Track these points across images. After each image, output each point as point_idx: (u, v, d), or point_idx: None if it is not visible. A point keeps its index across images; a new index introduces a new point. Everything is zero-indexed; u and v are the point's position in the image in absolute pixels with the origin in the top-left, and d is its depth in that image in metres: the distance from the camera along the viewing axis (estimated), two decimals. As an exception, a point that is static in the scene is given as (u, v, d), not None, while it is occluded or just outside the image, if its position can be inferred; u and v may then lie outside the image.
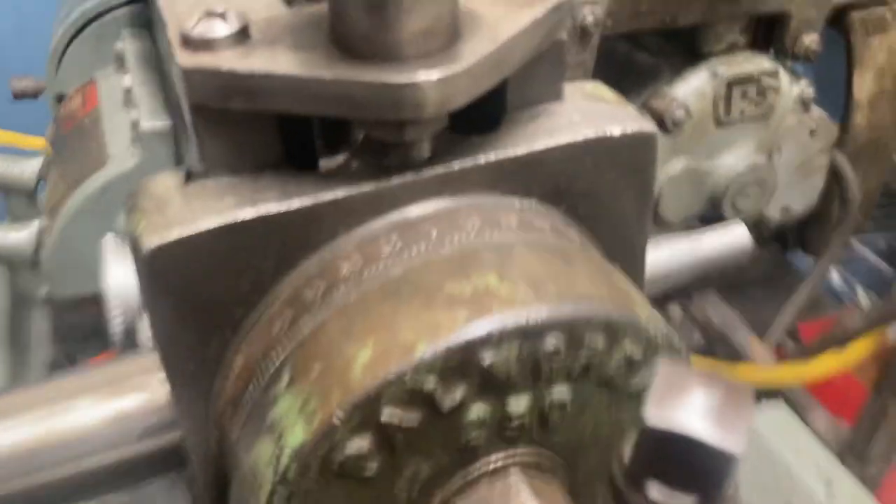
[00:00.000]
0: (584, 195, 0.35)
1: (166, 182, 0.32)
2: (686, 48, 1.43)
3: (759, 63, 1.43)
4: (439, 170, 0.33)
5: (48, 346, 1.47)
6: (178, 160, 1.23)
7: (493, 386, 0.29)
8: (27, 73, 1.53)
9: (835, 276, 2.29)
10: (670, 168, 1.42)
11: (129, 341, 0.98)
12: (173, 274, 0.30)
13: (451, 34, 0.30)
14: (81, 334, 1.48)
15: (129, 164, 1.21)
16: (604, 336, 0.30)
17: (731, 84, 1.41)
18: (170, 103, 1.25)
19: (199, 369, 0.33)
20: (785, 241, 1.70)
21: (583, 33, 1.22)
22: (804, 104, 1.46)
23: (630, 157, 0.35)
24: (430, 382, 0.27)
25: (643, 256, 0.38)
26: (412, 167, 0.33)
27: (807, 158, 1.51)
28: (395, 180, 0.32)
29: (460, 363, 0.28)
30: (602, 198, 0.36)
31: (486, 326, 0.28)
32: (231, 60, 0.29)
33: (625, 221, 0.37)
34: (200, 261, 0.31)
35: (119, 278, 0.96)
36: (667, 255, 0.58)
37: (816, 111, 1.46)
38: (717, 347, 1.40)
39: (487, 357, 0.28)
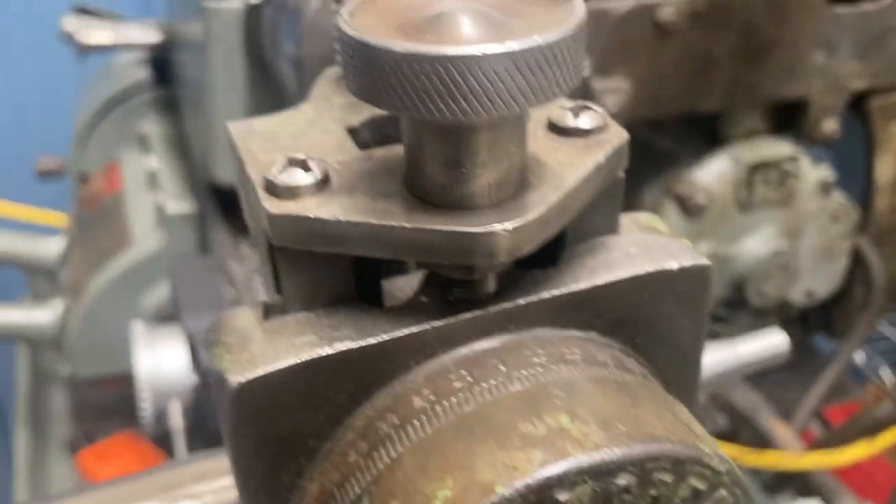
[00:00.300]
0: (642, 326, 0.37)
1: (246, 317, 0.34)
2: (706, 133, 1.46)
3: (779, 148, 1.46)
4: (504, 305, 0.34)
5: (68, 424, 1.48)
6: (202, 244, 1.26)
7: (567, 526, 0.30)
8: (46, 149, 1.58)
9: (858, 355, 2.28)
10: (694, 252, 1.44)
11: (160, 425, 0.99)
12: (256, 408, 0.32)
13: (519, 184, 0.32)
14: (100, 413, 1.49)
15: (153, 246, 1.24)
16: (671, 472, 0.31)
17: (752, 169, 1.44)
18: (195, 187, 1.29)
19: (274, 496, 0.34)
20: (809, 324, 1.70)
21: (606, 121, 1.25)
22: (825, 189, 1.48)
23: (686, 288, 0.37)
24: (508, 522, 0.29)
25: (697, 380, 0.39)
26: (478, 303, 0.34)
27: (829, 242, 1.52)
28: (463, 316, 0.34)
29: (536, 503, 0.29)
30: (659, 328, 0.37)
31: (562, 467, 0.29)
32: (314, 208, 0.31)
33: (680, 348, 0.38)
34: (281, 395, 0.32)
35: (149, 364, 0.98)
36: (710, 362, 0.60)
37: (838, 195, 1.48)
38: (742, 431, 1.39)
39: (562, 497, 0.29)
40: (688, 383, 0.39)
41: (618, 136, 0.35)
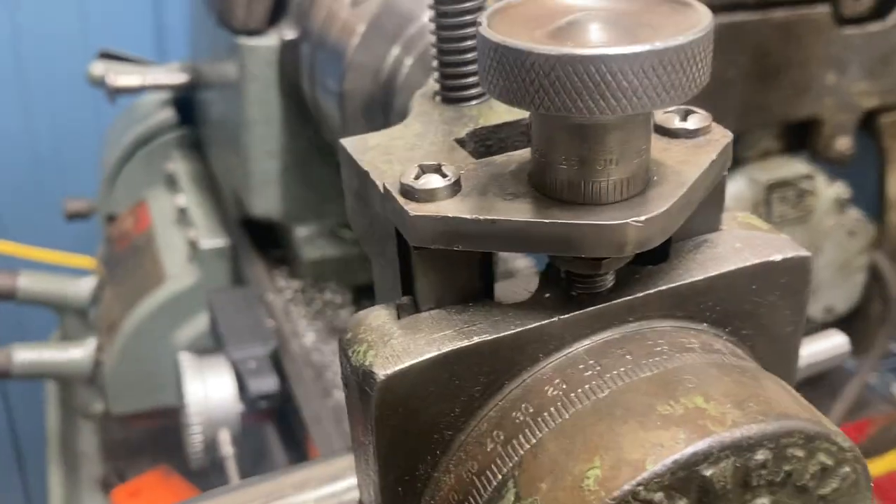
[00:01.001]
0: (748, 316, 0.39)
1: (382, 316, 0.35)
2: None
3: (794, 167, 1.48)
4: (624, 298, 0.36)
5: (98, 461, 1.48)
6: (235, 277, 1.27)
7: (709, 498, 0.31)
8: (67, 192, 1.60)
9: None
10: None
11: (209, 454, 1.00)
12: (399, 400, 0.33)
13: (644, 181, 0.34)
14: (131, 450, 1.49)
15: (187, 281, 1.25)
16: (803, 448, 0.32)
17: (769, 188, 1.46)
18: (225, 222, 1.31)
19: (410, 487, 0.35)
20: (828, 339, 1.70)
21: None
22: (841, 205, 1.50)
23: (788, 279, 0.38)
24: (658, 496, 0.30)
25: (795, 367, 0.41)
26: (599, 297, 0.36)
27: (847, 258, 1.55)
28: (586, 309, 0.35)
29: (684, 478, 0.30)
30: (762, 318, 0.39)
31: (706, 444, 0.30)
32: (453, 209, 0.33)
33: (781, 337, 0.40)
34: (422, 387, 0.34)
35: (199, 394, 0.98)
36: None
37: (853, 212, 1.51)
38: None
39: (707, 472, 0.31)
40: (787, 370, 0.40)
41: (724, 135, 0.37)
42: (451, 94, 0.43)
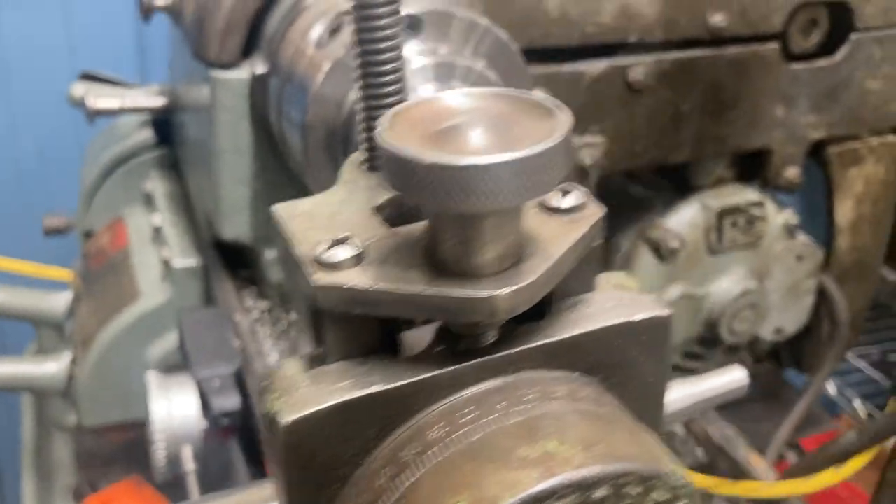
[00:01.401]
0: (615, 367, 0.45)
1: (293, 368, 0.41)
2: (677, 181, 1.56)
3: (745, 195, 1.55)
4: (503, 353, 0.42)
5: (72, 472, 1.53)
6: (207, 297, 1.33)
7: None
8: (49, 207, 1.65)
9: (831, 388, 2.37)
10: (667, 294, 1.52)
11: (171, 469, 1.05)
12: (302, 442, 0.39)
13: (517, 256, 0.40)
14: (103, 461, 1.54)
15: (160, 299, 1.31)
16: (640, 485, 0.38)
17: (720, 215, 1.53)
18: (199, 242, 1.36)
19: (314, 517, 0.41)
20: (780, 359, 1.78)
21: (581, 172, 1.35)
22: (790, 231, 1.57)
23: (649, 336, 0.45)
24: (512, 527, 0.36)
25: (661, 411, 0.47)
26: (482, 352, 0.42)
27: (795, 282, 1.61)
28: (469, 363, 0.41)
29: (533, 512, 0.36)
30: (628, 369, 0.45)
31: (553, 483, 0.37)
32: (354, 279, 0.39)
33: (647, 386, 0.46)
34: (323, 431, 0.40)
35: (163, 411, 1.04)
36: (678, 396, 0.68)
37: (802, 237, 1.58)
38: (719, 463, 1.47)
39: (553, 507, 0.37)
40: (653, 414, 0.47)
41: (596, 212, 0.43)
42: (375, 162, 0.49)
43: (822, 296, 1.65)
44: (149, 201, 1.42)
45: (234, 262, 1.29)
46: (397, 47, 0.46)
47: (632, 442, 0.40)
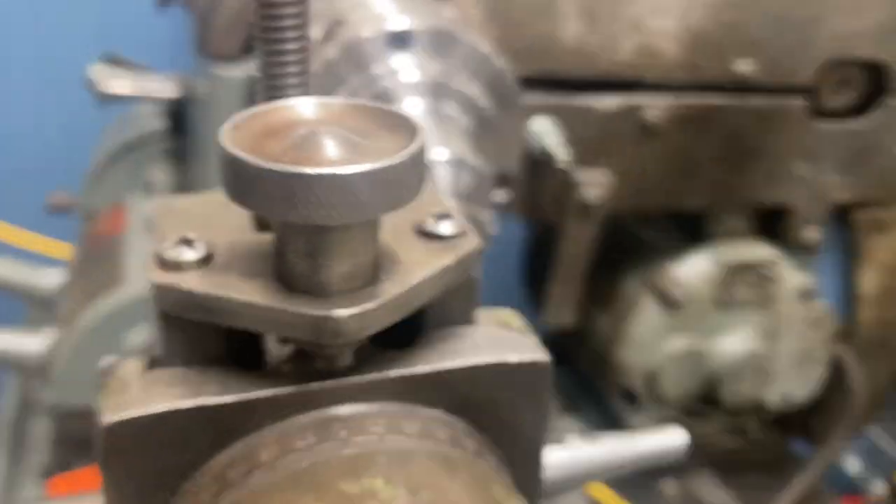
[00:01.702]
0: (485, 410, 0.42)
1: (131, 368, 0.39)
2: (690, 228, 1.51)
3: (759, 251, 1.50)
4: (356, 378, 0.39)
5: (47, 451, 1.52)
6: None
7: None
8: (62, 184, 1.65)
9: (853, 465, 2.27)
10: (670, 346, 1.47)
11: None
12: (124, 445, 0.37)
13: (369, 276, 0.37)
14: (79, 443, 1.53)
15: (143, 287, 1.30)
16: (464, 539, 0.35)
17: (731, 269, 1.48)
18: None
19: (139, 526, 0.39)
20: (788, 427, 1.71)
21: (585, 210, 1.31)
22: (805, 295, 1.51)
23: (526, 381, 0.42)
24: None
25: (539, 468, 0.44)
26: (334, 374, 0.39)
27: (808, 349, 1.55)
28: (316, 385, 0.39)
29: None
30: (501, 413, 0.42)
31: (363, 527, 0.34)
32: (191, 282, 0.37)
33: (524, 437, 0.43)
34: (148, 437, 0.37)
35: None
36: (606, 451, 0.64)
37: (818, 303, 1.51)
38: (713, 530, 1.41)
39: (361, 552, 0.34)
40: (529, 469, 0.43)
41: (471, 243, 0.40)
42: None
43: (836, 367, 1.58)
44: (149, 190, 1.42)
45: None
46: (302, 49, 0.43)
47: (470, 491, 0.37)
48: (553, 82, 1.24)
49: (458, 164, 0.88)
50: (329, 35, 0.95)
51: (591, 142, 1.28)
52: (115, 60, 1.48)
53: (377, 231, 0.37)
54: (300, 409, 0.39)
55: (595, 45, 1.22)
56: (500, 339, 0.42)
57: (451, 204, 0.43)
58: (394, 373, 0.40)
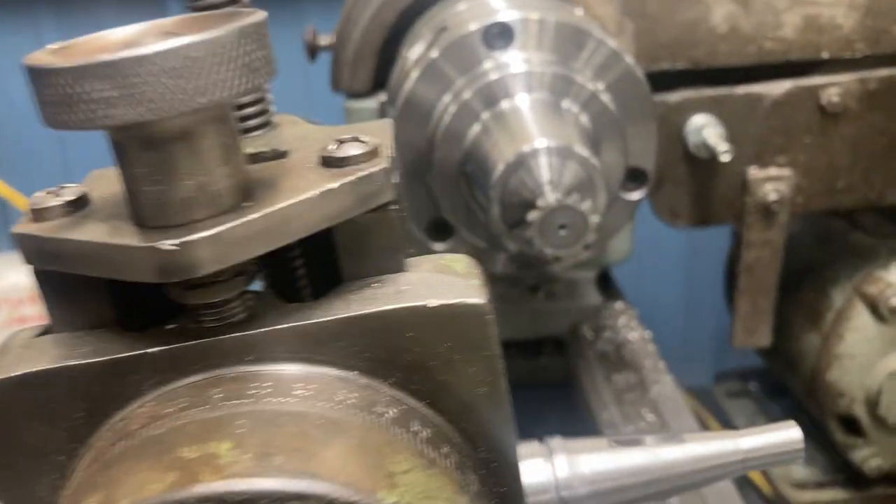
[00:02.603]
0: (415, 368, 0.34)
1: (22, 336, 0.36)
2: (909, 226, 1.29)
3: None
4: (240, 334, 0.33)
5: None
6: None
7: (202, 556, 0.28)
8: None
9: None
10: (891, 362, 1.26)
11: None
12: (-2, 414, 0.34)
13: (229, 205, 0.31)
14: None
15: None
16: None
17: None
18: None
19: (31, 509, 0.35)
20: None
21: (766, 212, 1.16)
22: None
23: (459, 330, 0.33)
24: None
25: (509, 435, 0.35)
26: (223, 330, 0.34)
27: None
28: (199, 342, 0.33)
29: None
30: (437, 373, 0.34)
31: (185, 495, 0.28)
32: (42, 229, 0.33)
33: (473, 400, 0.35)
34: (18, 405, 0.34)
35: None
36: (709, 453, 0.52)
37: None
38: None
39: (184, 522, 0.27)
40: (499, 435, 0.35)
41: (375, 166, 0.33)
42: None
43: None
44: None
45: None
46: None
47: (352, 460, 0.29)
48: (710, 73, 1.12)
49: (563, 153, 0.79)
50: (433, 41, 0.91)
51: (763, 135, 1.14)
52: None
53: (221, 150, 0.32)
54: (180, 371, 0.34)
55: (752, 26, 1.09)
56: (428, 284, 0.34)
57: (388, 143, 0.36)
58: (279, 327, 0.33)
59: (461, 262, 0.36)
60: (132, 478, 0.29)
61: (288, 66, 1.32)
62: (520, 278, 1.19)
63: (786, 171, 1.15)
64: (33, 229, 0.33)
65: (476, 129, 0.87)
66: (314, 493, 0.28)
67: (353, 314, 0.33)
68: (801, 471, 1.45)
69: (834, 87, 1.11)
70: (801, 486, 1.42)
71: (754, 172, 1.14)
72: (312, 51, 1.27)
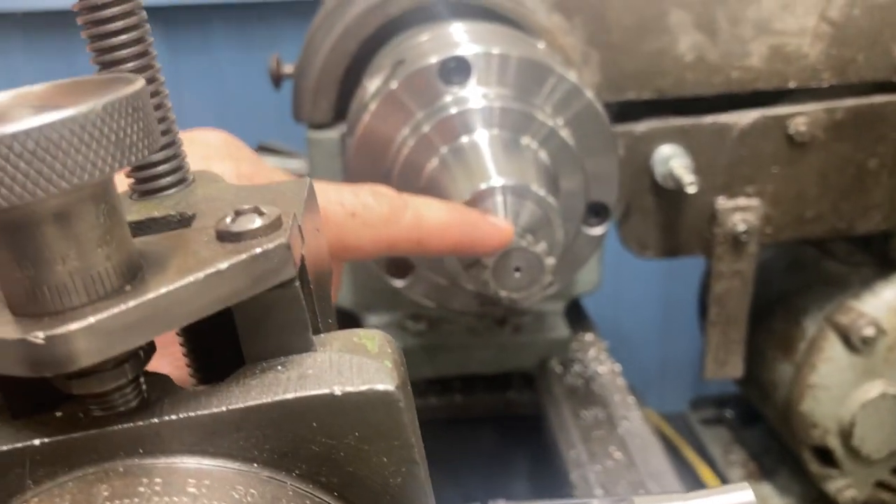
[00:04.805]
0: (321, 460, 0.32)
1: None
2: (878, 257, 1.28)
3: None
4: (136, 425, 0.31)
5: None
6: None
7: None
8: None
9: None
10: (864, 393, 1.25)
11: None
12: None
13: (105, 290, 0.29)
14: None
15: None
16: None
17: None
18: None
19: None
20: None
21: (735, 242, 1.14)
22: None
23: (367, 419, 0.31)
24: None
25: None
26: (112, 421, 0.31)
27: None
28: (84, 434, 0.31)
29: None
30: (348, 465, 0.32)
31: None
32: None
33: (387, 491, 0.32)
34: None
35: None
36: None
37: None
38: None
39: None
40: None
41: (274, 241, 0.31)
42: (141, 186, 0.41)
43: None
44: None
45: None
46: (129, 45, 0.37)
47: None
48: (677, 103, 1.11)
49: (520, 192, 0.78)
50: (392, 73, 0.89)
51: (732, 165, 1.12)
52: (265, 148, 1.52)
53: (98, 230, 0.29)
54: (66, 465, 0.31)
55: (718, 55, 1.08)
56: (336, 367, 0.32)
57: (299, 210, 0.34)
58: (181, 416, 0.31)
59: (374, 340, 0.34)
60: None
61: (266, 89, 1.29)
62: (486, 313, 1.17)
63: (754, 202, 1.13)
64: None
65: (434, 163, 0.85)
66: None
67: (251, 404, 0.31)
68: (777, 501, 1.43)
69: (801, 117, 1.10)
70: (778, 516, 1.41)
71: (722, 203, 1.13)
72: (277, 79, 1.25)
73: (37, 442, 0.31)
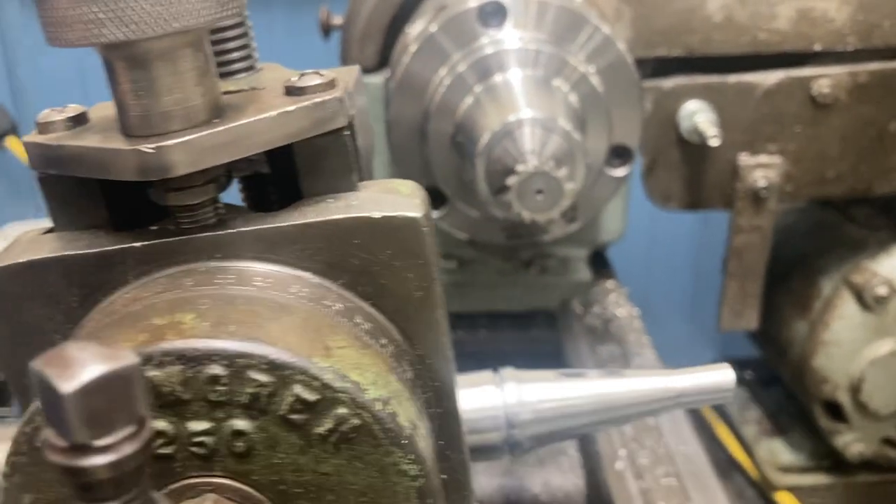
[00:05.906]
0: (360, 272, 0.40)
1: (31, 233, 0.42)
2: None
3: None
4: (210, 234, 0.39)
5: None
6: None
7: (165, 402, 0.34)
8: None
9: None
10: (874, 350, 1.30)
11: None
12: (3, 295, 0.39)
13: (201, 120, 0.37)
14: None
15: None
16: (268, 374, 0.33)
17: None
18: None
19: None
20: None
21: (755, 198, 1.20)
22: None
23: (398, 240, 0.39)
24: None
25: (443, 336, 0.41)
26: (197, 231, 0.39)
27: None
28: (176, 239, 0.39)
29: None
30: (379, 277, 0.40)
31: (152, 349, 0.33)
32: (46, 139, 0.39)
33: (411, 302, 0.40)
34: (21, 288, 0.40)
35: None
36: (642, 389, 0.57)
37: None
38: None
39: (151, 373, 0.33)
40: (433, 337, 0.40)
41: (331, 94, 0.39)
42: (219, 70, 0.49)
43: None
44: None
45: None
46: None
47: (290, 332, 0.35)
48: (704, 62, 1.16)
49: (548, 125, 0.85)
50: (433, 18, 0.97)
51: (755, 123, 1.18)
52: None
53: (196, 72, 0.37)
54: (161, 263, 0.39)
55: (746, 16, 1.13)
56: (375, 200, 0.40)
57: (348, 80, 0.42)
58: (242, 229, 0.39)
59: (407, 186, 0.42)
60: (109, 340, 0.35)
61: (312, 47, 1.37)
62: (514, 254, 1.24)
63: (776, 159, 1.19)
64: (39, 139, 0.39)
65: (469, 101, 0.93)
66: (257, 353, 0.33)
67: (307, 221, 0.39)
68: (787, 455, 1.49)
69: (825, 79, 1.15)
70: (787, 470, 1.46)
71: (745, 159, 1.19)
72: (326, 29, 1.33)
73: (137, 244, 0.39)
